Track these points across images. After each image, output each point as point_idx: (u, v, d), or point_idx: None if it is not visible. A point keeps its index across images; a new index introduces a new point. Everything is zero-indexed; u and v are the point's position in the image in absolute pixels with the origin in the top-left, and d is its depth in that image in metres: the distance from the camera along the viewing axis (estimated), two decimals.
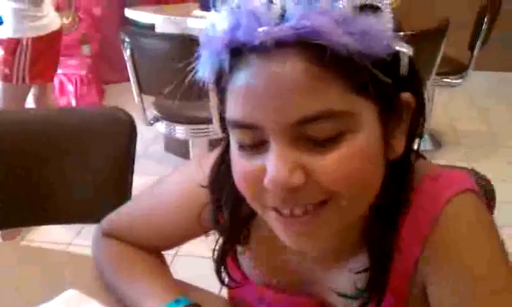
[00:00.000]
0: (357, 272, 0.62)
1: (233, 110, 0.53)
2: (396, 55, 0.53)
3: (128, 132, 1.24)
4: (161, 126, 2.49)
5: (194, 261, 1.76)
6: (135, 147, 1.25)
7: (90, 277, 0.82)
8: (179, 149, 3.04)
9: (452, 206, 0.60)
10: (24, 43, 2.59)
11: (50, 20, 2.67)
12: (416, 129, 0.60)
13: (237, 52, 0.51)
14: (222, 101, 0.56)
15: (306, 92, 0.49)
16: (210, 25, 0.53)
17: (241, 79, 0.52)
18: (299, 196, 0.52)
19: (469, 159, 3.13)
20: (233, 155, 0.57)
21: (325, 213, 0.54)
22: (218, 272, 0.71)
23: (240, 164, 0.56)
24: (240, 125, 0.53)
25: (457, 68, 3.14)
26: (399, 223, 0.61)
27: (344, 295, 0.64)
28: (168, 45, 2.16)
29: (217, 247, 0.70)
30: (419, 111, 0.58)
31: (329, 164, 0.51)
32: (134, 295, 0.74)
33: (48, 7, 2.64)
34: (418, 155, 0.63)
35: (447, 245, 0.60)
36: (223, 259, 0.70)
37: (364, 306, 0.62)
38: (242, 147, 0.55)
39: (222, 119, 0.58)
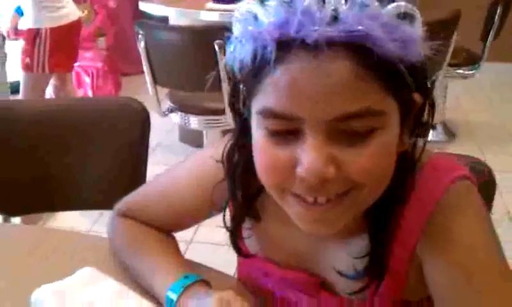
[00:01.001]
0: (357, 257, 0.66)
1: (273, 101, 0.55)
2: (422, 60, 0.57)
3: (142, 121, 1.29)
4: (175, 117, 2.54)
5: (210, 248, 1.80)
6: (149, 135, 1.30)
7: (106, 258, 0.86)
8: (194, 139, 3.08)
9: (449, 194, 0.63)
10: (43, 33, 2.68)
11: (69, 10, 2.75)
12: (420, 125, 0.63)
13: (285, 46, 0.53)
14: (252, 91, 0.58)
15: (350, 90, 0.52)
16: (252, 17, 0.55)
17: (287, 73, 0.53)
18: (327, 186, 0.56)
19: (482, 151, 3.13)
20: (258, 143, 0.59)
21: (346, 202, 0.58)
22: (234, 242, 0.75)
23: (268, 152, 0.58)
24: (278, 115, 0.55)
25: (470, 60, 3.14)
26: (400, 209, 0.64)
27: (345, 275, 0.68)
28: (181, 37, 2.20)
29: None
30: (423, 110, 0.62)
31: (359, 158, 0.55)
32: (146, 272, 0.78)
33: None
34: (423, 147, 0.66)
35: (445, 231, 0.63)
36: (236, 230, 0.74)
37: (364, 289, 0.66)
38: (271, 135, 0.57)
39: (237, 106, 0.63)
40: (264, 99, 0.56)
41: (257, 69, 0.56)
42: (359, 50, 0.51)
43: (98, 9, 4.04)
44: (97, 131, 1.32)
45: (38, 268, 0.86)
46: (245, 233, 0.75)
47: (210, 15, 2.70)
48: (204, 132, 2.68)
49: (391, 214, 0.64)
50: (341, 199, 0.57)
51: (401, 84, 0.56)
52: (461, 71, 3.14)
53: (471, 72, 3.16)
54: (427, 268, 0.64)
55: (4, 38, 2.73)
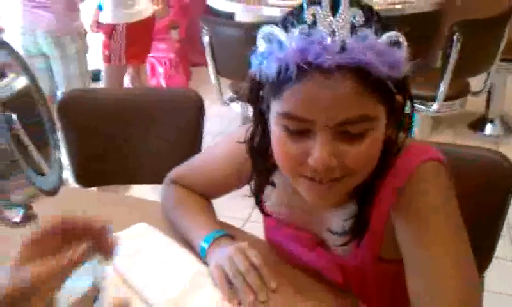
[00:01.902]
0: (345, 219, 0.83)
1: (292, 107, 0.72)
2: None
3: (197, 107, 1.51)
4: (236, 106, 2.76)
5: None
6: (203, 119, 1.51)
7: (159, 217, 1.08)
8: None
9: (419, 170, 0.79)
10: (120, 28, 2.94)
11: (143, 7, 2.99)
12: (401, 119, 0.80)
13: (303, 68, 0.69)
14: (274, 95, 0.75)
15: (351, 103, 0.70)
16: (276, 41, 0.72)
17: (304, 87, 0.70)
18: (330, 172, 0.74)
19: None
20: (275, 136, 0.77)
21: (342, 184, 0.76)
22: (258, 203, 0.94)
23: (285, 145, 0.76)
24: (295, 118, 0.73)
25: None
26: (379, 183, 0.81)
27: (336, 233, 0.85)
28: (241, 32, 2.38)
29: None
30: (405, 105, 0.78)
31: (355, 152, 0.73)
32: (186, 226, 0.99)
33: None
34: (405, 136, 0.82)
35: (411, 198, 0.79)
36: (259, 193, 0.93)
37: (350, 242, 0.83)
38: (288, 132, 0.75)
39: (257, 103, 0.81)
40: (285, 104, 0.73)
41: (280, 82, 0.72)
42: (359, 73, 0.68)
43: (173, 3, 4.32)
44: (162, 117, 1.55)
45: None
46: (265, 198, 0.94)
47: (272, 11, 2.87)
48: None
49: (372, 187, 0.81)
50: (339, 182, 0.75)
51: (389, 94, 0.73)
52: None
53: None
54: (396, 228, 0.80)
55: (86, 32, 3.02)
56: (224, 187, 1.05)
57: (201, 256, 0.93)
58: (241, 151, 0.90)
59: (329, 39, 0.68)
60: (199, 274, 0.90)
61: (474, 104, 3.18)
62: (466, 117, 3.51)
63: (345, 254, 0.87)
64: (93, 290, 0.62)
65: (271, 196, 0.94)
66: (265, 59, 0.73)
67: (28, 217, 0.84)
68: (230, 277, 0.85)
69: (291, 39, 0.70)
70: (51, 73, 2.75)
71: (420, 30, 3.00)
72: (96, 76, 3.44)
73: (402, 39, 0.71)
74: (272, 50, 0.72)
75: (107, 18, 2.99)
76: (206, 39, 2.53)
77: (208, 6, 3.35)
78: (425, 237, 0.77)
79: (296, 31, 0.70)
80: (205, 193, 1.06)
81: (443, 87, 2.46)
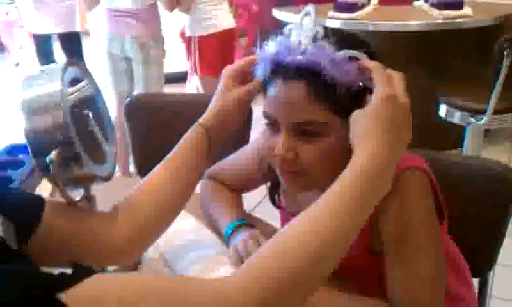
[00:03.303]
0: None
1: (266, 106, 0.91)
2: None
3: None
4: None
5: None
6: (251, 122, 1.67)
7: (196, 206, 1.27)
8: None
9: (403, 175, 0.90)
10: (194, 40, 3.14)
11: (218, 22, 3.12)
12: None
13: (274, 72, 0.88)
14: (264, 96, 0.92)
15: (304, 106, 0.85)
16: (264, 49, 0.89)
17: (273, 90, 0.88)
18: (290, 164, 0.90)
19: None
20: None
21: (303, 177, 0.91)
22: (271, 198, 1.10)
23: (267, 140, 0.93)
24: (267, 116, 0.91)
25: None
26: None
27: None
28: None
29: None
30: None
31: (309, 151, 0.87)
32: (215, 214, 1.18)
33: (218, 10, 3.11)
34: None
35: (395, 199, 0.89)
36: (274, 190, 1.09)
37: None
38: (269, 128, 0.92)
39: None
40: (265, 104, 0.91)
41: (264, 84, 0.91)
42: (313, 80, 0.83)
43: (242, 12, 4.55)
44: None
45: None
46: (281, 194, 1.11)
47: (332, 23, 2.98)
48: None
49: None
50: (300, 175, 0.91)
51: (343, 104, 0.83)
52: None
53: None
54: (380, 224, 0.92)
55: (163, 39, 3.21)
56: (251, 182, 1.22)
57: (225, 240, 1.11)
58: (264, 149, 1.03)
59: (295, 45, 0.85)
60: (221, 253, 1.08)
61: None
62: None
63: None
64: None
65: (285, 191, 1.11)
66: (258, 65, 0.92)
67: (87, 198, 1.05)
68: (243, 257, 1.02)
69: (270, 46, 0.88)
70: (131, 75, 2.99)
71: (479, 44, 3.06)
72: (169, 79, 3.70)
73: (360, 56, 0.84)
74: (261, 56, 0.90)
75: (186, 30, 3.19)
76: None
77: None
78: (405, 234, 0.88)
79: (277, 40, 0.88)
80: (234, 187, 1.25)
81: (492, 100, 2.51)
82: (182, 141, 0.97)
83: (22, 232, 0.75)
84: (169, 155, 0.96)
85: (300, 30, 0.86)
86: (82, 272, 0.58)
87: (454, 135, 3.04)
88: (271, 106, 0.89)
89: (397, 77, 0.79)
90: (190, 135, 0.96)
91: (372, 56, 0.85)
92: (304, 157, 0.89)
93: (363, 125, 0.76)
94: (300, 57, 0.84)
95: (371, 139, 0.74)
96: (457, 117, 2.71)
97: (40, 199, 0.84)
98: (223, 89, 0.97)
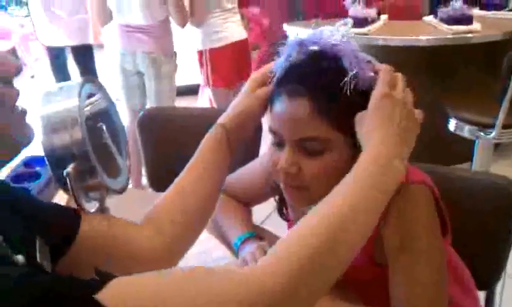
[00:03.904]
0: None
1: (271, 122, 0.94)
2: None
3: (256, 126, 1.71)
4: None
5: None
6: (261, 135, 1.70)
7: None
8: None
9: (407, 190, 0.91)
10: (206, 53, 3.17)
11: (229, 34, 3.14)
12: None
13: (278, 89, 0.92)
14: (270, 112, 0.96)
15: (307, 123, 0.88)
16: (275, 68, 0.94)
17: (278, 107, 0.91)
18: (293, 179, 0.92)
19: None
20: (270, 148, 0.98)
21: (307, 192, 0.93)
22: (279, 211, 1.13)
23: (272, 155, 0.96)
24: (273, 131, 0.94)
25: None
26: None
27: None
28: None
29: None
30: None
31: (312, 167, 0.90)
32: (224, 226, 1.22)
33: (230, 23, 3.14)
34: None
35: (398, 212, 0.91)
36: (281, 204, 1.13)
37: None
38: (274, 144, 0.96)
39: None
40: (270, 119, 0.94)
41: (270, 99, 0.94)
42: (315, 99, 0.87)
43: (254, 26, 4.60)
44: None
45: None
46: (289, 207, 1.14)
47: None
48: None
49: None
50: (303, 190, 0.93)
51: (344, 122, 0.86)
52: None
53: None
54: (384, 237, 0.94)
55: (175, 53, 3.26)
56: (259, 195, 1.25)
57: (235, 251, 1.14)
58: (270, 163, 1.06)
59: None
60: (231, 264, 1.11)
61: None
62: None
63: None
64: None
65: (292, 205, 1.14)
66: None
67: (101, 210, 1.09)
68: None
69: (278, 66, 0.93)
70: (143, 90, 3.04)
71: (488, 58, 3.08)
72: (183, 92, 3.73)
73: (374, 60, 0.88)
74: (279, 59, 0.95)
75: (198, 44, 3.20)
76: None
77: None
78: (407, 241, 0.89)
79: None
80: (243, 200, 1.28)
81: (501, 115, 2.53)
82: (203, 144, 0.97)
83: (54, 253, 0.76)
84: (192, 159, 0.97)
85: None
86: (106, 277, 0.59)
87: (465, 149, 3.06)
88: (276, 122, 0.93)
89: (398, 77, 0.86)
90: (211, 137, 0.97)
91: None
92: (307, 172, 0.91)
93: (365, 124, 0.82)
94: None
95: (373, 134, 0.80)
96: (466, 131, 2.72)
97: (75, 217, 0.85)
98: (248, 91, 0.98)
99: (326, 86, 0.87)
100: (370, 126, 0.81)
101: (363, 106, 0.85)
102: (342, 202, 0.72)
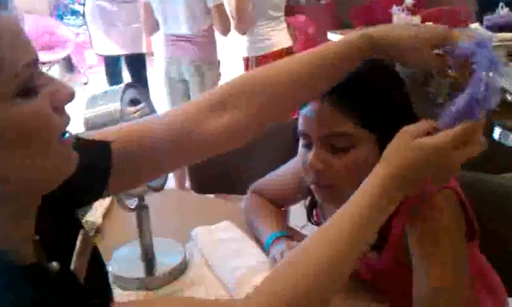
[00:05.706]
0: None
1: (300, 123, 0.99)
2: None
3: (291, 138, 1.77)
4: None
5: None
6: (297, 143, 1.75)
7: (242, 219, 1.37)
8: None
9: (433, 196, 0.94)
10: (251, 60, 3.22)
11: (274, 42, 3.19)
12: None
13: None
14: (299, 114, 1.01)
15: (333, 119, 0.93)
16: None
17: (306, 109, 0.97)
18: (319, 176, 0.97)
19: None
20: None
21: (336, 190, 0.97)
22: (308, 214, 1.19)
23: (302, 157, 1.01)
24: (301, 133, 1.00)
25: None
26: None
27: None
28: None
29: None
30: None
31: (340, 163, 0.95)
32: (258, 226, 1.26)
33: (276, 31, 3.18)
34: None
35: (426, 218, 0.93)
36: (311, 207, 1.18)
37: (372, 250, 1.01)
38: (302, 146, 1.01)
39: None
40: (298, 122, 0.99)
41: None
42: (344, 103, 0.92)
43: (299, 35, 4.65)
44: (263, 139, 1.83)
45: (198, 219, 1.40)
46: (318, 209, 1.18)
47: None
48: None
49: None
50: (332, 188, 0.98)
51: (371, 117, 0.92)
52: None
53: None
54: (410, 241, 0.98)
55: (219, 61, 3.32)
56: (292, 197, 1.30)
57: (266, 250, 1.19)
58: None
59: None
60: (261, 262, 1.16)
61: None
62: None
63: (374, 258, 1.06)
64: None
65: (322, 206, 1.18)
66: None
67: (141, 206, 1.17)
68: None
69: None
70: (188, 97, 3.10)
71: None
72: None
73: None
74: None
75: (244, 52, 3.25)
76: None
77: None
78: (432, 252, 0.92)
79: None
80: (275, 202, 1.32)
81: None
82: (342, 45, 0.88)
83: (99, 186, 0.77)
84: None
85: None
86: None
87: (509, 158, 2.99)
88: (304, 122, 0.98)
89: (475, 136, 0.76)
90: (353, 43, 0.85)
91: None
92: (334, 169, 0.95)
93: (397, 147, 0.77)
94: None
95: (393, 162, 0.76)
96: (511, 140, 2.67)
97: (105, 149, 0.78)
98: None
99: (354, 83, 0.90)
100: (398, 155, 0.76)
101: (391, 103, 0.91)
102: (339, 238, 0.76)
